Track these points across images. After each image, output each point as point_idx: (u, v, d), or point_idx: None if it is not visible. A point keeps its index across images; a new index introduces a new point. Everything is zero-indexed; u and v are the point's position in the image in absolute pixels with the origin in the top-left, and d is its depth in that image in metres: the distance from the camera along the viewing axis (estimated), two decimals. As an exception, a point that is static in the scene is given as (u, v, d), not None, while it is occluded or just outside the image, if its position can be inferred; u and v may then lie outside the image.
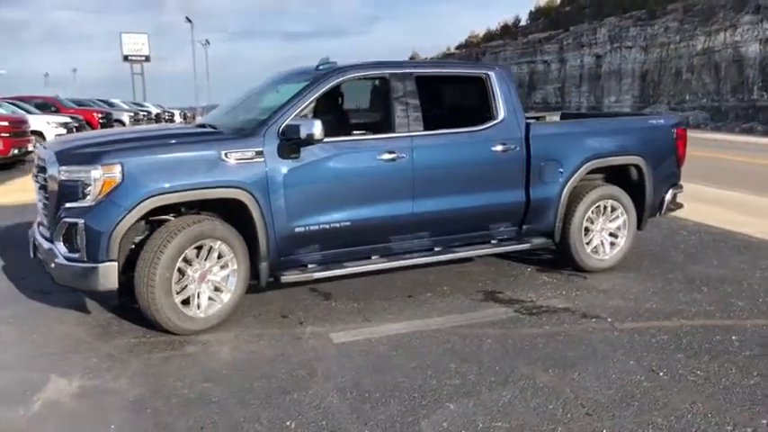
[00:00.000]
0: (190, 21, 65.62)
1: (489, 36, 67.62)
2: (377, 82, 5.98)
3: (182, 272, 4.71)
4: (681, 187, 6.82)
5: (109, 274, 4.49)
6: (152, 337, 4.75)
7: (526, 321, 5.03)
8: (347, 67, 5.42)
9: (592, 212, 6.23)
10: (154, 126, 9.19)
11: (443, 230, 5.75)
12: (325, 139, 5.08)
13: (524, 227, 6.03)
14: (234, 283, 4.96)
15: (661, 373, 4.09)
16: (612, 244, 6.40)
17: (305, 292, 5.71)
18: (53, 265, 4.60)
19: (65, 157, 4.63)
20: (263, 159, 4.85)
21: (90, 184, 4.46)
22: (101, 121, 25.48)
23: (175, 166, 4.64)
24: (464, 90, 6.66)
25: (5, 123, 15.08)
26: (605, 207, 6.30)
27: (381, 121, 5.60)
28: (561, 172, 5.97)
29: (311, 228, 5.06)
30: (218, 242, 4.82)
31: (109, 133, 6.46)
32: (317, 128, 4.80)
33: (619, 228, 6.41)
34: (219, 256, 4.90)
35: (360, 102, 6.52)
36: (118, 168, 4.47)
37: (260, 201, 4.83)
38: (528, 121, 6.00)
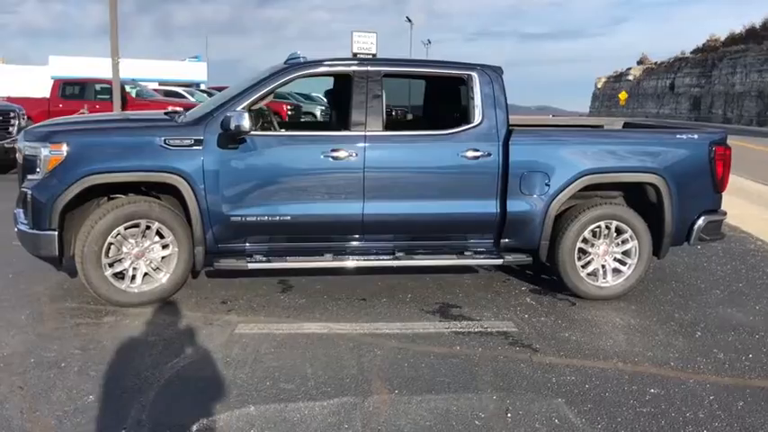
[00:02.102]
0: (410, 20, 68.04)
1: (732, 39, 61.59)
2: (340, 79, 5.86)
3: (115, 247, 5.04)
4: (721, 214, 5.82)
5: (49, 243, 4.94)
6: (94, 304, 5.14)
7: (447, 340, 4.67)
8: (308, 62, 5.39)
9: (589, 233, 5.56)
10: (132, 113, 9.82)
11: (403, 236, 5.51)
12: (267, 133, 5.13)
13: (502, 241, 5.55)
14: (174, 264, 5.20)
15: (509, 415, 3.60)
16: (617, 271, 5.66)
17: (270, 284, 5.80)
18: (16, 229, 5.17)
19: (28, 134, 5.19)
20: (201, 148, 5.02)
21: (41, 160, 4.95)
22: (289, 112, 27.31)
23: (116, 149, 4.98)
24: (441, 91, 6.28)
25: (179, 109, 16.84)
26: (608, 228, 5.59)
27: (338, 119, 5.51)
28: (548, 185, 5.40)
29: (248, 218, 5.14)
30: (156, 223, 5.09)
31: (90, 117, 7.01)
32: (245, 120, 4.87)
33: (627, 253, 5.65)
34: (162, 237, 5.16)
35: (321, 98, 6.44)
36: (64, 147, 4.90)
37: (194, 187, 5.00)
38: (512, 127, 5.51)
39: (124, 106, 16.60)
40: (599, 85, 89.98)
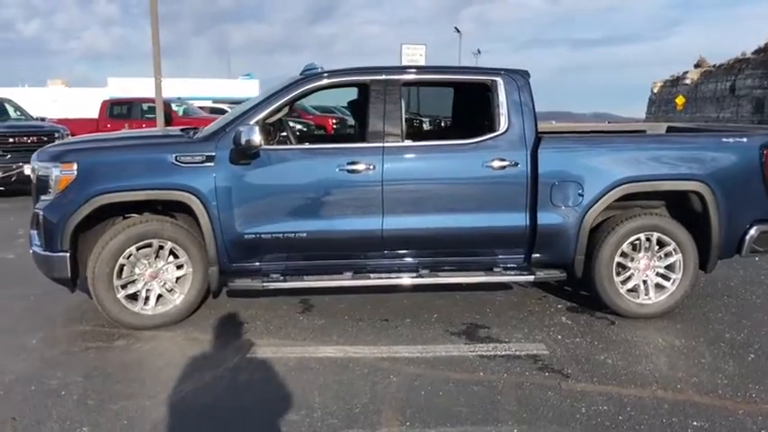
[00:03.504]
0: (458, 31, 67.67)
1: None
2: (361, 89, 5.60)
3: (128, 268, 4.90)
4: (776, 224, 5.33)
5: (61, 264, 4.83)
6: (108, 327, 5.00)
7: (470, 364, 4.34)
8: (324, 73, 5.17)
9: (628, 246, 5.15)
10: (146, 130, 9.65)
11: (427, 252, 5.21)
12: (280, 147, 4.94)
13: (534, 256, 5.20)
14: (188, 285, 5.03)
15: (527, 450, 3.26)
16: (660, 287, 5.24)
17: (290, 304, 5.58)
18: (31, 250, 5.09)
19: (41, 154, 5.10)
20: (213, 164, 4.84)
21: (53, 180, 4.85)
22: (335, 126, 27.33)
23: (126, 168, 4.85)
24: (463, 98, 5.97)
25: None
26: (649, 241, 5.17)
27: (356, 131, 5.26)
28: (581, 195, 5.03)
29: (262, 236, 4.93)
30: (169, 243, 4.93)
31: (104, 136, 6.88)
32: (255, 135, 4.67)
33: (671, 267, 5.22)
34: (176, 257, 5.01)
35: (317, 97, 6.18)
36: (74, 167, 4.79)
37: (207, 204, 4.83)
38: (541, 134, 5.17)
39: (169, 124, 16.78)
40: (655, 90, 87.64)
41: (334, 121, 28.09)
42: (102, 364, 4.35)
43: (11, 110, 13.78)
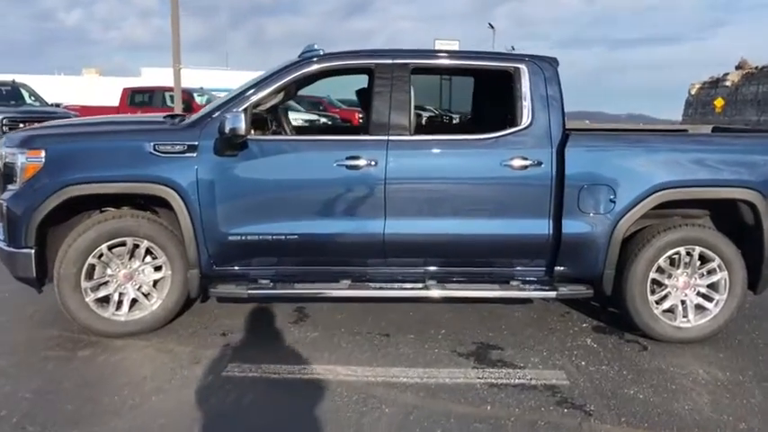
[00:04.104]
0: (492, 27, 66.59)
1: None
2: (360, 74, 5.01)
3: (100, 269, 4.39)
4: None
5: (25, 262, 4.33)
6: (78, 333, 4.49)
7: (477, 395, 3.74)
8: (323, 55, 4.58)
9: (666, 261, 4.50)
10: (128, 116, 9.01)
11: (435, 261, 4.62)
12: (270, 138, 4.40)
13: (557, 269, 4.56)
14: (167, 289, 4.50)
15: None
16: (701, 308, 4.57)
17: (284, 312, 5.02)
18: (-2, 246, 4.60)
19: (9, 139, 4.61)
20: (195, 155, 4.30)
21: (18, 168, 4.36)
22: (360, 120, 26.75)
23: (99, 156, 4.33)
24: (483, 88, 5.33)
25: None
26: (690, 256, 4.51)
27: (366, 121, 4.69)
28: (613, 201, 4.39)
29: (248, 237, 4.38)
30: (145, 241, 4.41)
31: (80, 121, 6.32)
32: (241, 122, 4.12)
33: (714, 287, 4.55)
34: (154, 258, 4.49)
35: (329, 92, 5.60)
36: (41, 154, 4.29)
37: (187, 199, 4.30)
38: (569, 131, 4.53)
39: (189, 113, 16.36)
40: (693, 92, 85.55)
41: (361, 114, 27.47)
42: (59, 377, 3.84)
43: (26, 95, 13.47)
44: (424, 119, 11.45)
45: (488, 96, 5.41)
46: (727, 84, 73.48)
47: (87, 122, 5.23)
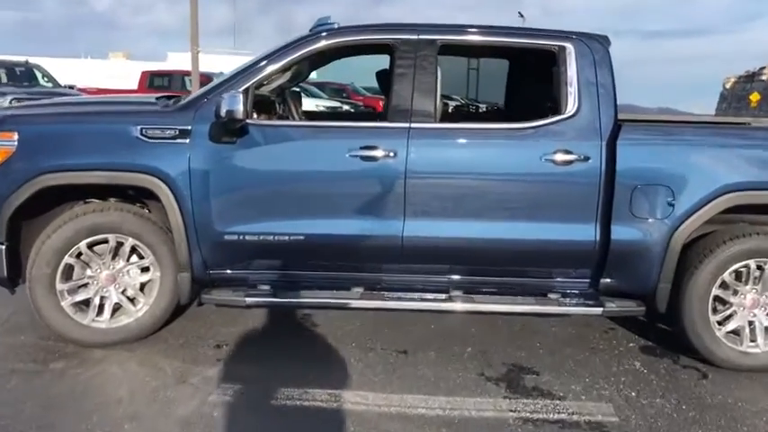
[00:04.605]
0: (522, 16, 65.40)
1: None
2: (379, 50, 4.40)
3: (79, 269, 3.86)
4: None
5: (-8, 259, 3.81)
6: (54, 341, 3.96)
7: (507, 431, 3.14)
8: (335, 30, 3.97)
9: (731, 275, 3.85)
10: (117, 96, 8.32)
11: (461, 269, 4.01)
12: (273, 123, 3.83)
13: (603, 281, 3.93)
14: (155, 293, 3.95)
15: None
16: (771, 331, 3.93)
17: (289, 321, 4.45)
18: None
19: (-17, 120, 4.07)
20: (187, 141, 3.74)
21: (-10, 152, 3.82)
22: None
23: (79, 141, 3.79)
24: (519, 70, 4.68)
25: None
26: (761, 270, 3.86)
27: (385, 107, 4.09)
28: (672, 204, 3.75)
29: (247, 237, 3.81)
30: (130, 239, 3.86)
31: (60, 101, 5.74)
32: (238, 105, 3.54)
33: (789, 307, 3.90)
34: (141, 257, 3.94)
35: (355, 72, 5.00)
36: (14, 137, 3.75)
37: (177, 192, 3.74)
38: (621, 121, 3.89)
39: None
40: (727, 86, 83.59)
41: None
42: (22, 397, 3.32)
43: (39, 76, 13.06)
44: (450, 107, 10.77)
45: (526, 80, 4.77)
46: (764, 78, 71.56)
47: (70, 102, 4.69)
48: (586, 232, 3.82)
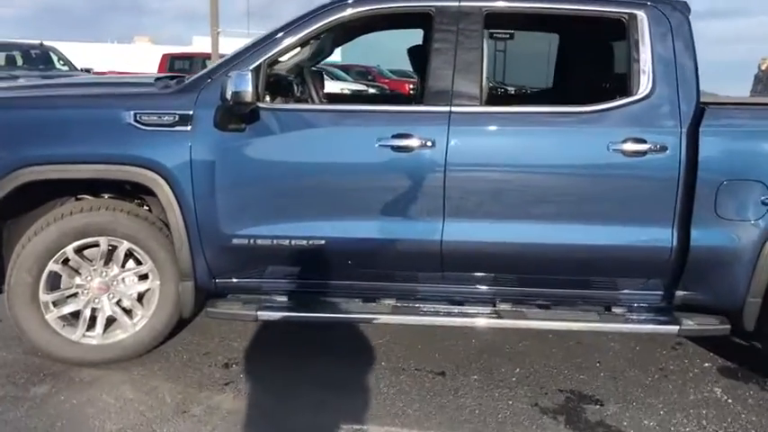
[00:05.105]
0: None
1: None
2: (413, 22, 3.80)
3: (66, 276, 3.33)
4: None
5: (-34, 267, 3.30)
6: (40, 359, 3.45)
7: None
8: (364, -4, 3.36)
9: (836, 288, 3.21)
10: (110, 76, 7.69)
11: (509, 278, 3.42)
12: (289, 107, 3.26)
13: (679, 293, 3.31)
14: (154, 303, 3.42)
15: None
16: None
17: (308, 332, 3.90)
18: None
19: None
20: (188, 128, 3.18)
21: (-38, 142, 3.30)
22: (411, 91, 25.38)
23: (63, 129, 3.25)
24: (575, 43, 4.03)
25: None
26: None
27: (418, 88, 3.51)
28: (766, 204, 3.11)
29: (258, 241, 3.25)
30: (125, 243, 3.32)
31: (45, 83, 5.17)
32: (247, 85, 2.97)
33: None
34: (139, 263, 3.40)
35: (382, 55, 4.40)
36: (-12, 123, 3.23)
37: (177, 189, 3.19)
38: (704, 104, 3.24)
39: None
40: (762, 67, 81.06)
41: (412, 86, 25.99)
42: (-10, 430, 2.80)
43: (55, 59, 12.63)
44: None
45: (582, 56, 4.13)
46: (802, 59, 69.14)
47: (54, 84, 4.16)
48: (661, 236, 3.20)
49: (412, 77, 27.91)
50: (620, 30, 3.31)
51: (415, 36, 4.23)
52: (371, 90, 20.91)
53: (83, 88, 3.72)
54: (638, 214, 3.21)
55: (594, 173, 3.20)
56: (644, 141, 3.13)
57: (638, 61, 3.22)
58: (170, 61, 17.67)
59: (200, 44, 41.38)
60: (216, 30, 13.78)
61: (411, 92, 25.14)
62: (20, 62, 12.79)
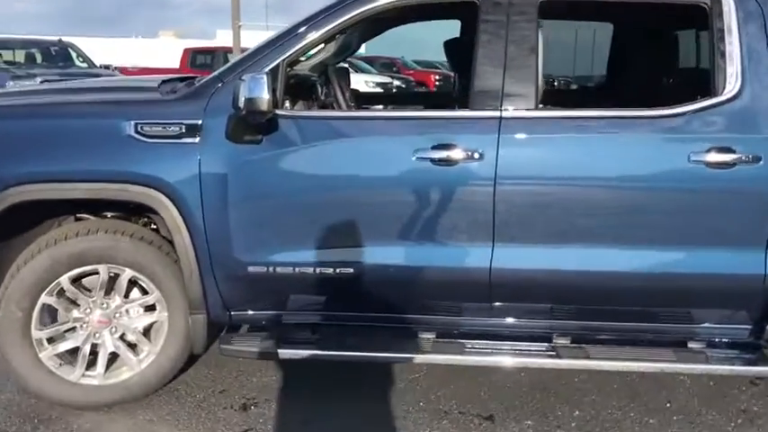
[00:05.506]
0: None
1: None
2: (452, 12, 3.32)
3: (62, 309, 2.94)
4: None
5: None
6: (35, 400, 3.07)
7: None
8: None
9: None
10: (110, 79, 7.14)
11: (567, 310, 2.95)
12: (312, 114, 2.83)
13: (770, 327, 2.83)
14: (162, 338, 3.01)
15: None
16: None
17: (337, 368, 3.45)
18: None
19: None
20: (197, 140, 2.76)
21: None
22: (437, 82, 24.86)
23: (54, 142, 2.85)
24: (653, 34, 3.51)
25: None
26: None
27: (448, 87, 3.02)
28: None
29: (278, 269, 2.83)
30: (128, 270, 2.91)
31: (37, 89, 4.76)
32: (263, 91, 2.53)
33: None
34: (145, 293, 3.00)
35: (404, 45, 3.94)
36: (-26, 137, 2.84)
37: (185, 210, 2.78)
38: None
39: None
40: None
41: (437, 77, 25.39)
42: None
43: (74, 56, 12.36)
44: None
45: (653, 50, 3.61)
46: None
47: (47, 90, 3.76)
48: (752, 261, 2.71)
49: (437, 68, 27.36)
50: (701, 16, 2.80)
51: (442, 24, 3.80)
52: (396, 82, 20.42)
53: (78, 94, 3.30)
54: (724, 236, 2.73)
55: (672, 188, 2.73)
56: (732, 151, 2.64)
57: (723, 55, 2.72)
58: (191, 56, 17.32)
59: (224, 38, 41.32)
60: (237, 23, 13.40)
61: (436, 83, 24.63)
62: (39, 59, 12.55)
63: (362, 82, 18.86)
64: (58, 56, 12.56)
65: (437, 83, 24.72)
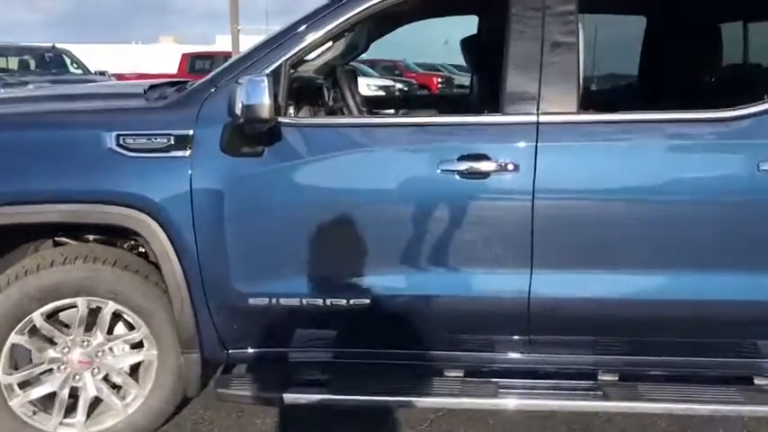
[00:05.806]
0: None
1: None
2: (471, 8, 2.97)
3: (35, 349, 2.57)
4: None
5: None
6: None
7: None
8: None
9: None
10: (91, 85, 6.78)
11: (614, 344, 2.58)
12: (320, 121, 2.46)
13: None
14: (151, 379, 2.64)
15: None
16: None
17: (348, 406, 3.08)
18: None
19: None
20: (187, 153, 2.39)
21: None
22: (439, 85, 24.52)
23: (24, 158, 2.48)
24: (706, 26, 3.14)
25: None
26: None
27: (476, 89, 2.68)
28: None
29: (283, 302, 2.46)
30: (110, 303, 2.54)
31: (14, 95, 4.41)
32: (263, 96, 2.16)
33: None
34: (131, 328, 2.63)
35: (435, 49, 3.59)
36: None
37: (173, 234, 2.41)
38: None
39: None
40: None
41: (440, 80, 25.04)
42: None
43: (68, 62, 12.04)
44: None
45: (686, 43, 3.23)
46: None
47: (19, 97, 3.38)
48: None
49: (439, 70, 27.00)
50: (747, 8, 2.44)
51: (442, 24, 3.45)
52: (399, 85, 20.03)
53: (53, 102, 2.93)
54: (800, 258, 2.34)
55: (736, 202, 2.35)
56: (808, 158, 2.26)
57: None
58: (190, 61, 16.99)
59: (223, 43, 41.10)
60: (236, 27, 13.05)
61: (440, 86, 24.26)
62: (33, 66, 12.24)
63: (364, 85, 18.48)
64: (52, 62, 12.26)
65: (440, 85, 24.40)
